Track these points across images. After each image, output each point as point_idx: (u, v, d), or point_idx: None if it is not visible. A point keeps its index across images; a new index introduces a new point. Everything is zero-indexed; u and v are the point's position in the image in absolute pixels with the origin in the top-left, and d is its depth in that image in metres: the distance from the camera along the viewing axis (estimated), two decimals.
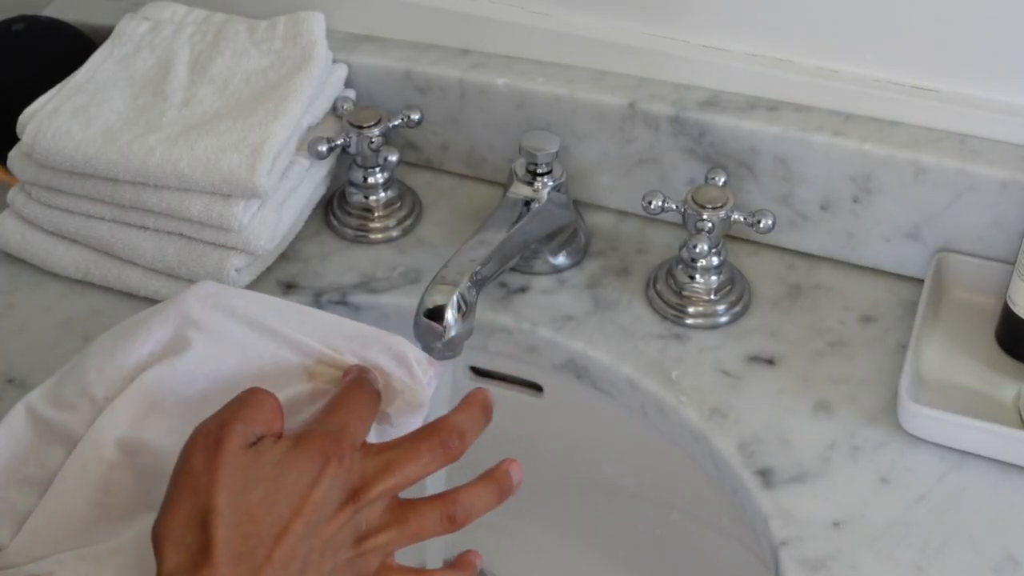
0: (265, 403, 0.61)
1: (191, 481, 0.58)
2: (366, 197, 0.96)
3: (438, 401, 0.80)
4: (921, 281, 0.88)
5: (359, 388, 0.65)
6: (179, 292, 0.71)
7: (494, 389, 0.94)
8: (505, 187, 0.90)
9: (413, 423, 0.69)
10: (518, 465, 0.66)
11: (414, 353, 0.69)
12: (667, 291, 0.89)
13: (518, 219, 0.86)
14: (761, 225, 0.85)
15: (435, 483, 0.73)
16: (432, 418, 0.65)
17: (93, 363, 0.68)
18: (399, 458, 0.61)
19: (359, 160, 0.95)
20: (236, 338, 0.68)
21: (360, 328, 0.70)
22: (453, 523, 0.62)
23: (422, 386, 0.69)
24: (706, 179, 0.87)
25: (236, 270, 0.88)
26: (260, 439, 0.60)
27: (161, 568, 0.56)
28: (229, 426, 0.59)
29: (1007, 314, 0.83)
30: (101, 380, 0.67)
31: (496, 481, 0.64)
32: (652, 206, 0.86)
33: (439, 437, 0.62)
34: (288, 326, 0.69)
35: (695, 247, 0.85)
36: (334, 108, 0.96)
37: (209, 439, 0.59)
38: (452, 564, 0.67)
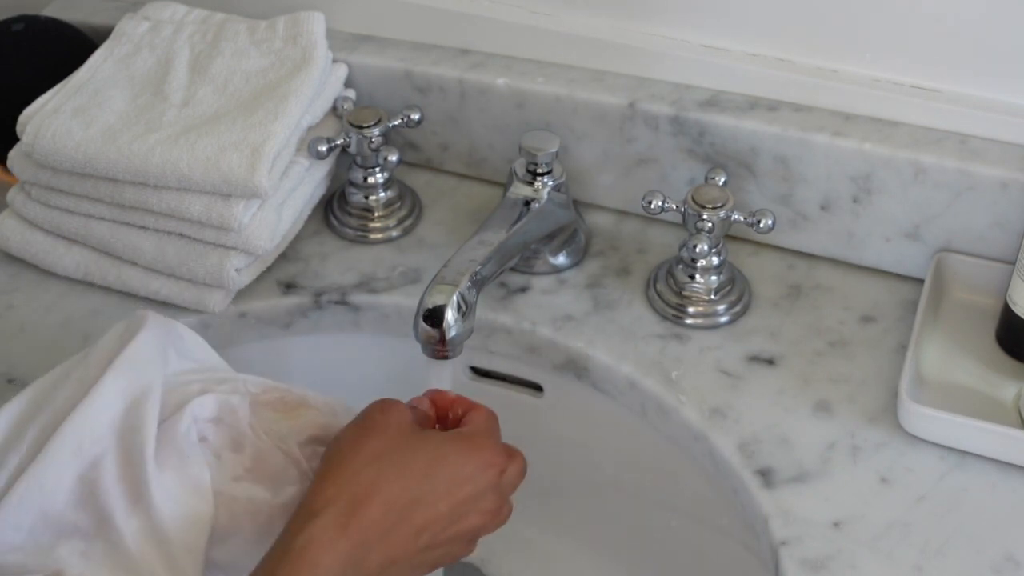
0: (421, 404, 0.74)
1: (370, 426, 0.68)
2: (366, 197, 0.96)
3: None
4: (921, 281, 0.88)
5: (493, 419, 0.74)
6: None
7: (494, 389, 0.94)
8: (505, 187, 0.90)
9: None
10: None
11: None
12: (667, 291, 0.89)
13: (518, 219, 0.86)
14: (761, 225, 0.85)
15: None
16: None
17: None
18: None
19: (359, 160, 0.95)
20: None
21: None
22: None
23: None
24: (706, 179, 0.87)
25: (236, 270, 0.88)
26: (444, 434, 0.70)
27: (327, 488, 0.65)
28: (405, 404, 0.70)
29: (1007, 314, 0.83)
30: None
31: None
32: (652, 206, 0.86)
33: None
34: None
35: (695, 247, 0.85)
36: (334, 108, 0.96)
37: (388, 403, 0.70)
38: None
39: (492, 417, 0.73)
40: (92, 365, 0.70)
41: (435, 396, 0.75)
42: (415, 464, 0.67)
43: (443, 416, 0.75)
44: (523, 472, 0.72)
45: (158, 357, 0.72)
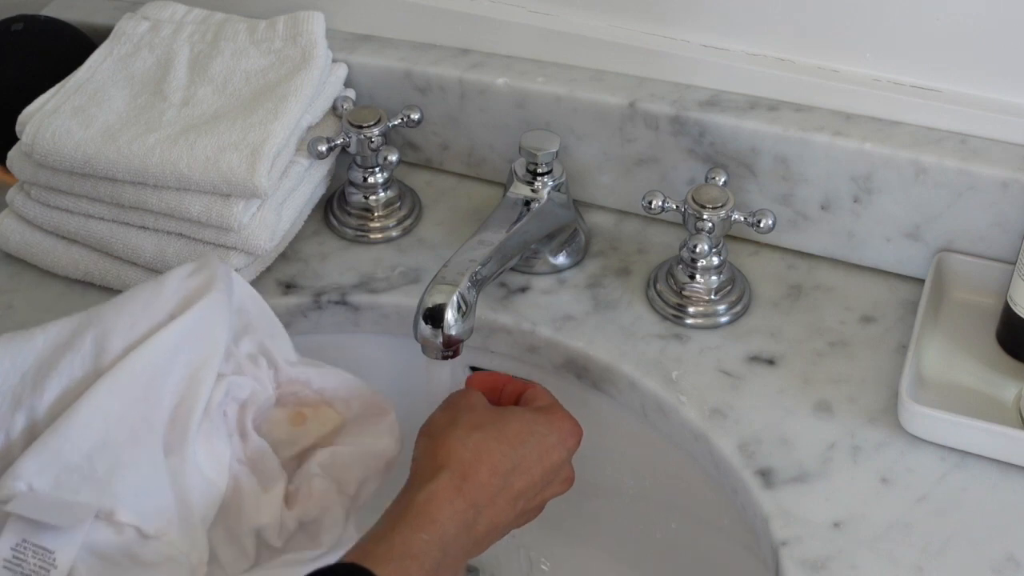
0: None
1: (462, 406, 0.73)
2: (366, 197, 0.96)
3: (439, 401, 0.80)
4: (921, 281, 0.88)
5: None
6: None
7: None
8: (505, 187, 0.90)
9: None
10: None
11: None
12: (667, 291, 0.89)
13: (518, 219, 0.86)
14: (761, 225, 0.85)
15: None
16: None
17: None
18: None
19: (359, 160, 0.95)
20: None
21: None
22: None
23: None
24: (706, 179, 0.87)
25: (236, 270, 0.88)
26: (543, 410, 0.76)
27: (437, 458, 0.69)
28: (479, 392, 0.76)
29: (1008, 314, 0.83)
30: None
31: None
32: (652, 206, 0.86)
33: None
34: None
35: (695, 247, 0.85)
36: (334, 108, 0.96)
37: (467, 390, 0.76)
38: None
39: (548, 391, 0.79)
40: (157, 309, 0.74)
41: (481, 379, 0.80)
42: (510, 433, 0.72)
43: (495, 400, 0.79)
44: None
45: (221, 325, 0.75)
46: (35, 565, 0.65)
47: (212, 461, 0.73)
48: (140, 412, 0.71)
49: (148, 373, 0.72)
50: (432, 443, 0.71)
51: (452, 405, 0.75)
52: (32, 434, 0.70)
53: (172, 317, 0.73)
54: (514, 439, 0.72)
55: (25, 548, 0.66)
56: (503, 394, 0.79)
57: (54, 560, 0.66)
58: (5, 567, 0.65)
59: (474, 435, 0.71)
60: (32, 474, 0.67)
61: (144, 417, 0.71)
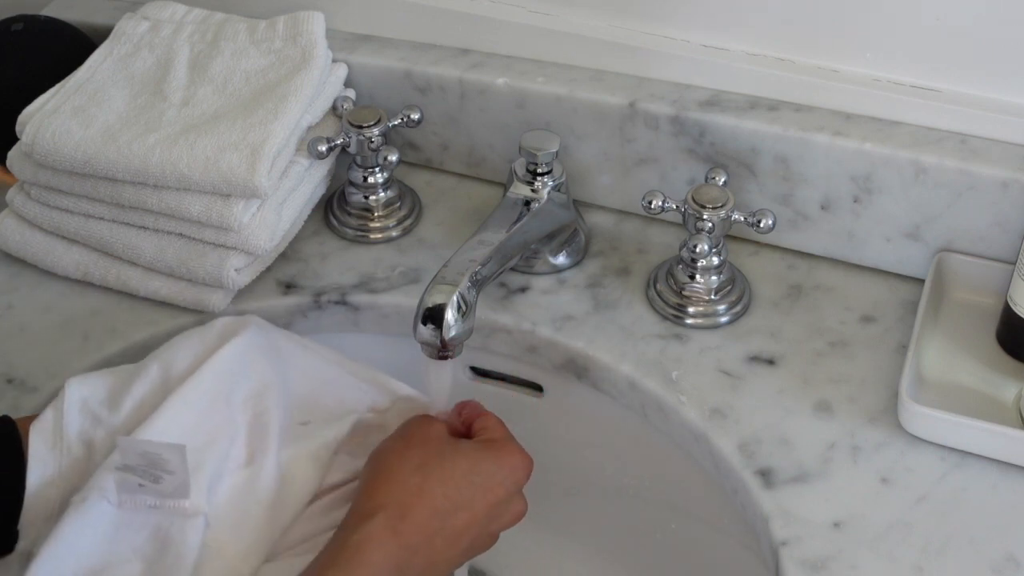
0: (452, 418, 0.78)
1: (410, 439, 0.72)
2: (366, 197, 0.96)
3: (439, 401, 0.80)
4: (921, 281, 0.88)
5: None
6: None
7: (494, 389, 0.94)
8: (505, 187, 0.90)
9: None
10: None
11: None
12: (667, 291, 0.89)
13: (518, 219, 0.86)
14: (761, 225, 0.85)
15: None
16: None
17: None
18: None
19: (359, 160, 0.95)
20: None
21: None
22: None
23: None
24: (706, 179, 0.87)
25: (236, 270, 0.88)
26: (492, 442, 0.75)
27: (376, 495, 0.69)
28: (439, 420, 0.75)
29: (1008, 314, 0.83)
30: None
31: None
32: (652, 206, 0.86)
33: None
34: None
35: (695, 247, 0.85)
36: (334, 108, 0.96)
37: (426, 418, 0.75)
38: None
39: (501, 421, 0.77)
40: (212, 336, 0.77)
41: (461, 406, 0.79)
42: (455, 472, 0.71)
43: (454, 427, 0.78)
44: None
45: (269, 352, 0.78)
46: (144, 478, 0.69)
47: (295, 474, 0.75)
48: (214, 422, 0.74)
49: (214, 387, 0.74)
50: (375, 477, 0.71)
51: (407, 437, 0.74)
52: (110, 445, 0.73)
53: (226, 341, 0.77)
54: (460, 479, 0.71)
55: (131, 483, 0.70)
56: (461, 417, 0.79)
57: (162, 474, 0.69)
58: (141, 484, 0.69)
59: (416, 476, 0.70)
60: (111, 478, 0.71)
61: (219, 426, 0.74)
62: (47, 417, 0.73)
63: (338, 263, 0.94)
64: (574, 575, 0.99)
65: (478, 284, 0.79)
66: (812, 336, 0.87)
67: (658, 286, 0.90)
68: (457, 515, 0.70)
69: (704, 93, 0.91)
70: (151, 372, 0.76)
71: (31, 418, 0.73)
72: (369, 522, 0.67)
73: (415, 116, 0.94)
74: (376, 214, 0.96)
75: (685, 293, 0.88)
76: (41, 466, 0.71)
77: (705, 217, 0.84)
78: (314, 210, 0.97)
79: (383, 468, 0.71)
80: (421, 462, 0.71)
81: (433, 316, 0.77)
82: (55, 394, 0.76)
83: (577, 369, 0.88)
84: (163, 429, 0.71)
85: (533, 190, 0.88)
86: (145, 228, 0.90)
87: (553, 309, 0.90)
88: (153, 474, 0.69)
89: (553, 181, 0.88)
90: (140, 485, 0.69)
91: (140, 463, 0.69)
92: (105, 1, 1.09)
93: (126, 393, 0.75)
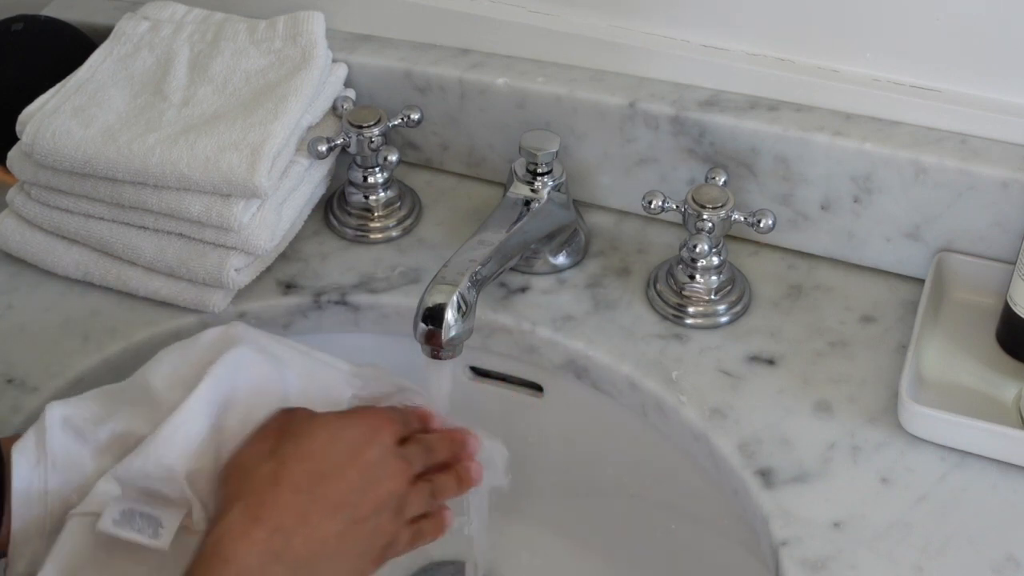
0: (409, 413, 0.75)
1: (266, 432, 0.69)
2: (366, 197, 0.96)
3: (439, 401, 0.80)
4: (921, 281, 0.88)
5: (405, 412, 0.75)
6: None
7: (494, 389, 0.94)
8: (505, 187, 0.90)
9: None
10: (477, 465, 0.76)
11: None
12: (667, 291, 0.89)
13: (518, 219, 0.86)
14: (761, 225, 0.85)
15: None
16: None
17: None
18: (413, 452, 0.72)
19: (359, 160, 0.95)
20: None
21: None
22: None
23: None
24: (706, 179, 0.87)
25: (236, 270, 0.88)
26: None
27: (228, 491, 0.66)
28: (302, 410, 0.71)
29: (1008, 314, 0.83)
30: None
31: (459, 476, 0.76)
32: (652, 206, 0.86)
33: (423, 445, 0.74)
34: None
35: (695, 247, 0.85)
36: (334, 108, 0.96)
37: (285, 408, 0.71)
38: (431, 516, 0.74)
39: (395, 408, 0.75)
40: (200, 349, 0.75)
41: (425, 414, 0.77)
42: (314, 446, 0.68)
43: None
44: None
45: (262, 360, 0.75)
46: (143, 524, 0.68)
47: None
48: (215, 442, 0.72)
49: (210, 408, 0.72)
50: (229, 477, 0.68)
51: (261, 429, 0.70)
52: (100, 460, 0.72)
53: (216, 354, 0.74)
54: (320, 452, 0.68)
55: (132, 514, 0.69)
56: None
57: (160, 523, 0.68)
58: (115, 524, 0.68)
59: (269, 463, 0.67)
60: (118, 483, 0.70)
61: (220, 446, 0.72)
62: (29, 436, 0.71)
63: (338, 263, 0.94)
64: (574, 575, 0.99)
65: (478, 284, 0.79)
66: (812, 336, 0.87)
67: (658, 286, 0.90)
68: (327, 485, 0.67)
69: (704, 93, 0.91)
70: (135, 389, 0.74)
71: (14, 438, 0.72)
72: (225, 518, 0.64)
73: (415, 116, 0.94)
74: (376, 214, 0.96)
75: (685, 293, 0.88)
76: (26, 484, 0.70)
77: (705, 217, 0.84)
78: (314, 210, 0.97)
79: (235, 466, 0.68)
80: (274, 447, 0.68)
81: (433, 316, 0.77)
82: (56, 394, 0.76)
83: (577, 369, 0.88)
84: (161, 455, 0.69)
85: (533, 190, 0.88)
86: (145, 228, 0.90)
87: (553, 309, 0.90)
88: (153, 528, 0.68)
89: (553, 181, 0.88)
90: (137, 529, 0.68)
91: (137, 509, 0.68)
92: (105, 1, 1.09)
93: (111, 410, 0.73)
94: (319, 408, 0.73)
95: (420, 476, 0.72)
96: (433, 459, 0.74)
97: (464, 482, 0.75)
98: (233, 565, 0.62)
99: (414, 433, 0.74)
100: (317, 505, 0.66)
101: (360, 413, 0.72)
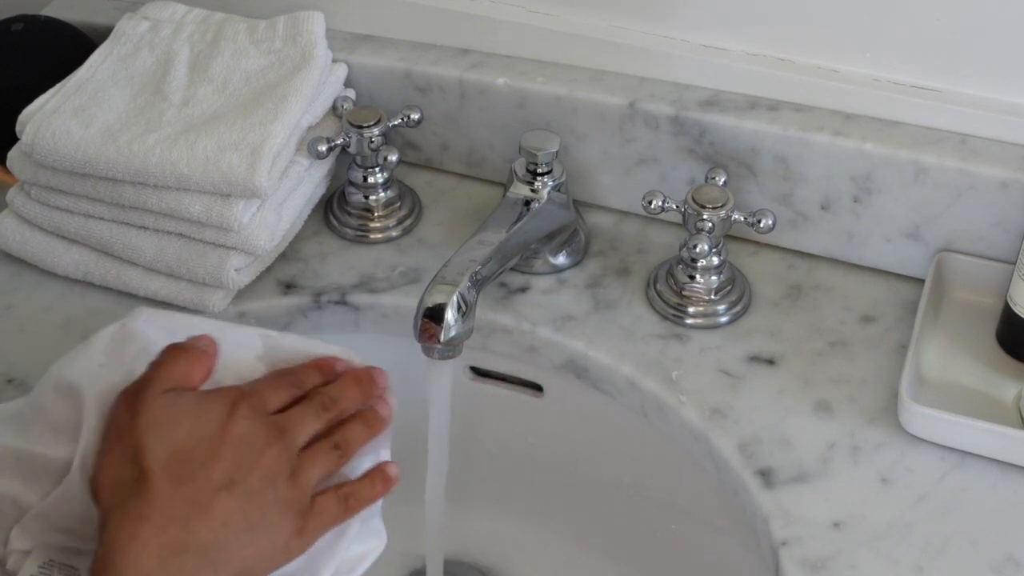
0: (179, 357, 0.68)
1: (117, 430, 0.64)
2: (366, 197, 0.96)
3: (439, 401, 0.80)
4: (921, 281, 0.88)
5: (297, 371, 0.71)
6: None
7: (494, 389, 0.94)
8: (505, 187, 0.90)
9: None
10: (385, 403, 0.73)
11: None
12: (667, 291, 0.89)
13: (518, 219, 0.86)
14: (761, 225, 0.85)
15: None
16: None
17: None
18: (298, 413, 0.68)
19: (359, 160, 0.95)
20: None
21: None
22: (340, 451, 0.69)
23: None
24: (706, 179, 0.87)
25: (236, 270, 0.88)
26: (175, 390, 0.66)
27: (103, 506, 0.62)
28: (146, 380, 0.66)
29: (1008, 314, 0.83)
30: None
31: (366, 419, 0.71)
32: (652, 206, 0.86)
33: (319, 400, 0.70)
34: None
35: (695, 247, 0.85)
36: (334, 108, 0.96)
37: (129, 393, 0.66)
38: (369, 475, 0.71)
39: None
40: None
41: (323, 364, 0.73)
42: (176, 434, 0.64)
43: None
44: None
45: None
46: None
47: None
48: None
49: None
50: (94, 486, 0.64)
51: (107, 436, 0.65)
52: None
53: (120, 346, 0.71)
54: (183, 438, 0.63)
55: (52, 566, 0.66)
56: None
57: (80, 573, 0.66)
58: None
59: (136, 461, 0.62)
60: None
61: None
62: None
63: (338, 263, 0.94)
64: (574, 575, 0.99)
65: (478, 284, 0.79)
66: (812, 336, 0.87)
67: (658, 286, 0.90)
68: (206, 467, 0.63)
69: (704, 93, 0.91)
70: (49, 393, 0.70)
71: None
72: (105, 532, 0.61)
73: (415, 116, 0.94)
74: (376, 214, 0.96)
75: (685, 293, 0.88)
76: None
77: (705, 217, 0.84)
78: (314, 210, 0.97)
79: (100, 476, 0.64)
80: (136, 445, 0.63)
81: (433, 316, 0.77)
82: None
83: (577, 369, 0.88)
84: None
85: (533, 190, 0.88)
86: (145, 228, 0.90)
87: (553, 309, 0.90)
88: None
89: (553, 181, 0.88)
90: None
91: None
92: (105, 1, 1.09)
93: (36, 416, 0.70)
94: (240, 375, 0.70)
95: (329, 432, 0.69)
96: (340, 408, 0.70)
97: (373, 424, 0.71)
98: (126, 571, 0.59)
99: (313, 391, 0.70)
100: (203, 487, 0.62)
101: (217, 392, 0.67)
